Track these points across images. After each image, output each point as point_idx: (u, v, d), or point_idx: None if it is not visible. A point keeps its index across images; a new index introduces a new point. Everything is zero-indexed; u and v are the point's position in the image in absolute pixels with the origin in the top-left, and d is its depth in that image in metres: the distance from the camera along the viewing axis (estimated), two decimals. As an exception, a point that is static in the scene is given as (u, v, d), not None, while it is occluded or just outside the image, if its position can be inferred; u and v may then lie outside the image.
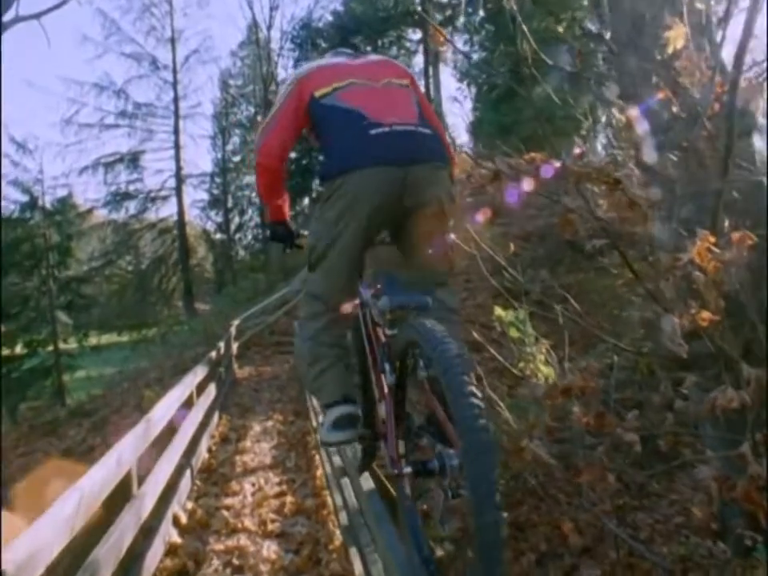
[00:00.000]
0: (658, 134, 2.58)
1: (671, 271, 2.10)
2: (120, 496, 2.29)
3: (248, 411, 6.14)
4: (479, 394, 0.96)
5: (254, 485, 3.85)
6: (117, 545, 2.04)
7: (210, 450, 4.68)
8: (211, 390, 5.19)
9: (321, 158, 1.98)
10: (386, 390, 1.40)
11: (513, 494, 5.19)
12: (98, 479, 1.92)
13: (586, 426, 2.66)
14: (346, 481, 2.64)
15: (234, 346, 8.51)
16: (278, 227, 1.89)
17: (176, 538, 2.94)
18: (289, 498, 3.48)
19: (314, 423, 4.74)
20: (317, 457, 4.30)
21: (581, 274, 12.02)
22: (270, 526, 3.12)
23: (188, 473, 3.70)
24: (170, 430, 3.63)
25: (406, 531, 1.38)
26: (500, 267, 9.79)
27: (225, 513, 3.34)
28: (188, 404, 4.09)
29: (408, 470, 1.26)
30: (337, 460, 3.05)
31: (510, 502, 4.83)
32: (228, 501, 3.56)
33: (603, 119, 21.03)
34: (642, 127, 2.78)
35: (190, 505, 3.45)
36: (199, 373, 4.72)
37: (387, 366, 1.38)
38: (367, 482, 2.19)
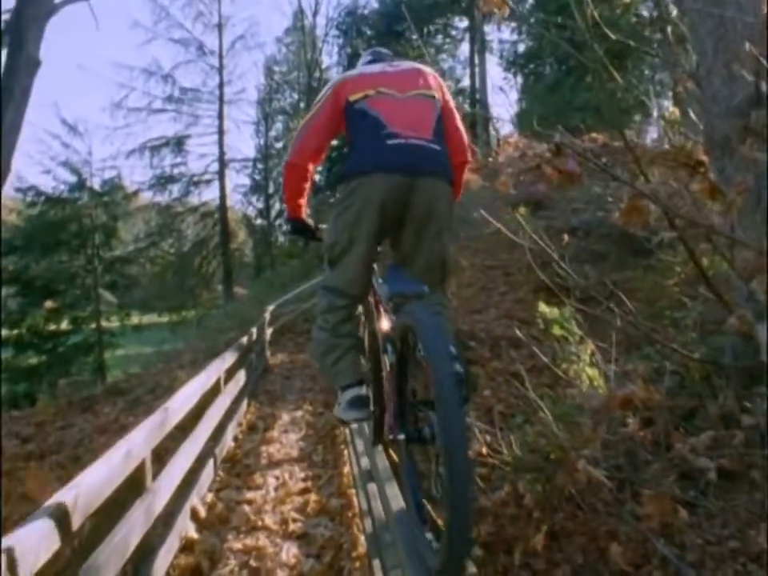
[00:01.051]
0: (731, 117, 2.30)
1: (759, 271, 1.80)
2: (132, 490, 2.15)
3: (278, 399, 6.01)
4: (461, 374, 1.15)
5: (277, 479, 3.69)
6: (122, 544, 1.88)
7: (236, 439, 4.56)
8: (241, 377, 5.07)
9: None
10: (387, 368, 1.62)
11: (548, 498, 4.89)
12: (101, 474, 1.76)
13: (646, 442, 2.37)
14: (372, 488, 2.43)
15: (268, 332, 8.42)
16: (297, 223, 2.04)
17: (193, 533, 2.80)
18: (313, 497, 3.30)
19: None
20: (345, 452, 4.12)
21: (627, 271, 11.49)
22: (292, 526, 2.95)
23: (211, 462, 3.56)
24: (195, 417, 3.51)
25: (404, 486, 1.62)
26: (542, 262, 9.27)
27: (246, 508, 3.19)
28: (214, 391, 3.95)
29: (401, 436, 1.51)
30: (365, 462, 2.84)
31: (543, 506, 4.59)
32: (250, 495, 3.41)
33: (655, 112, 20.19)
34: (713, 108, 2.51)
35: (210, 497, 3.32)
36: (228, 359, 4.59)
37: (389, 347, 1.61)
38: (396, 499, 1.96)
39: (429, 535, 1.39)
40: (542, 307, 5.45)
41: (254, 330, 6.46)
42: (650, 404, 1.99)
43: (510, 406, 8.44)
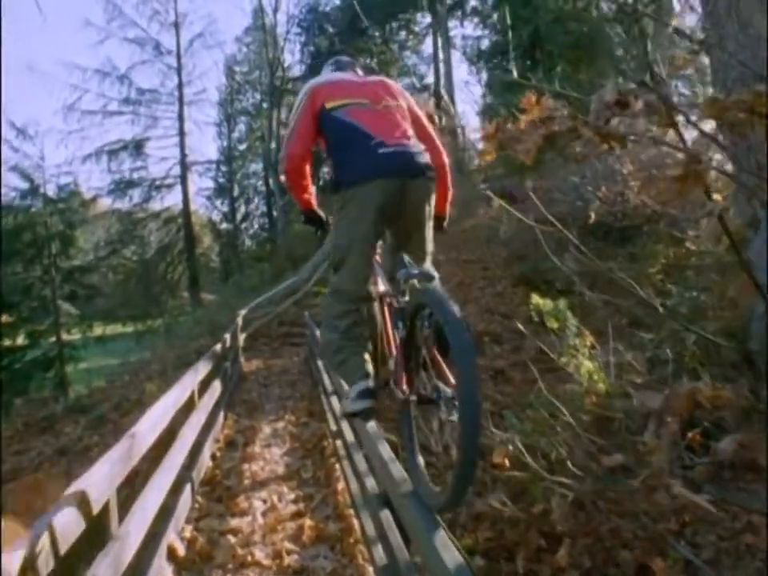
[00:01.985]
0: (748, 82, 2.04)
1: None
2: (95, 540, 1.73)
3: (256, 410, 5.57)
4: (472, 341, 1.28)
5: (265, 502, 3.28)
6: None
7: (214, 458, 4.12)
8: (216, 387, 4.63)
9: (332, 164, 2.11)
10: (397, 342, 1.77)
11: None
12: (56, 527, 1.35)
13: (694, 443, 2.05)
14: (387, 516, 2.06)
15: (241, 338, 7.96)
16: (309, 213, 2.19)
17: (170, 578, 2.39)
18: (307, 521, 2.91)
19: (333, 426, 4.18)
20: (336, 467, 3.74)
21: (608, 261, 11.38)
22: (287, 559, 2.55)
23: (188, 489, 3.14)
24: (167, 439, 3.08)
25: (405, 442, 1.75)
26: (518, 255, 8.99)
27: (231, 539, 2.78)
28: (188, 407, 3.52)
29: (413, 397, 1.66)
30: (371, 483, 2.46)
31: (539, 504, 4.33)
32: (235, 523, 3.00)
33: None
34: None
35: (189, 530, 2.89)
36: (201, 370, 4.15)
37: (400, 324, 1.77)
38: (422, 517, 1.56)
39: (431, 486, 1.52)
40: (536, 299, 5.17)
41: (227, 337, 6.00)
42: (718, 402, 1.67)
43: (497, 403, 8.18)
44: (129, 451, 1.99)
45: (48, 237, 17.89)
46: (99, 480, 1.68)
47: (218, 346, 5.27)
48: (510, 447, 2.63)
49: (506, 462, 2.54)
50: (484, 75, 27.98)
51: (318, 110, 2.02)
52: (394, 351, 1.87)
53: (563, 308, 5.20)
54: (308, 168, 2.07)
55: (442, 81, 27.15)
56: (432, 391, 1.53)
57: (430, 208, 2.01)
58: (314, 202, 2.18)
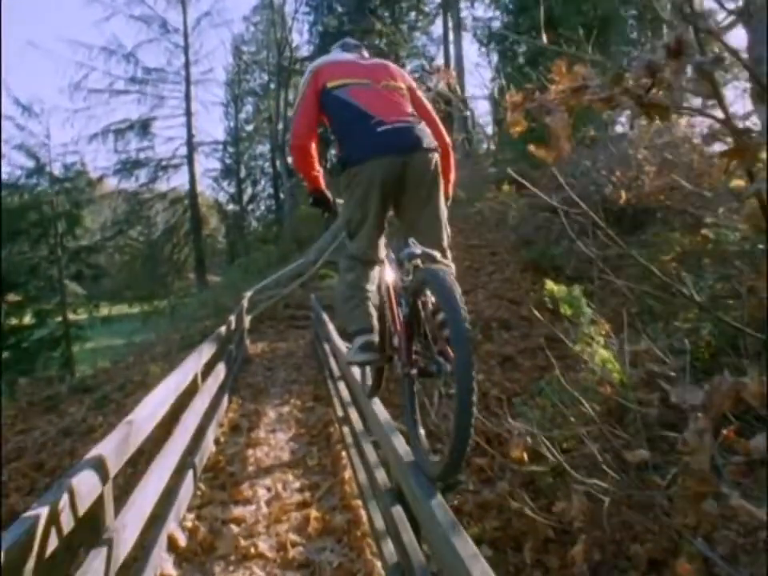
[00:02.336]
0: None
1: None
2: (87, 535, 1.62)
3: (261, 393, 5.48)
4: (467, 318, 1.37)
5: (269, 490, 3.18)
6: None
7: (217, 442, 4.03)
8: (220, 370, 4.53)
9: (336, 142, 2.15)
10: (401, 318, 1.82)
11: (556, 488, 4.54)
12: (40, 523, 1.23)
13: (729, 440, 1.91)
14: (399, 511, 1.94)
15: (247, 320, 7.86)
16: (317, 195, 2.21)
17: (170, 570, 2.29)
18: (313, 512, 2.80)
19: (339, 412, 4.07)
20: (343, 454, 3.63)
21: (616, 248, 11.06)
22: (292, 552, 2.45)
23: (190, 475, 3.04)
24: (170, 422, 2.98)
25: (407, 415, 1.83)
26: (526, 241, 8.79)
27: (234, 529, 2.67)
28: (191, 391, 3.41)
29: (414, 371, 1.78)
30: (382, 476, 2.34)
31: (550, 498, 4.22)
32: (238, 511, 2.90)
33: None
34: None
35: (190, 518, 2.79)
36: (205, 352, 4.03)
37: (403, 302, 1.81)
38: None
39: (431, 456, 1.64)
40: (550, 285, 5.00)
41: (232, 319, 5.89)
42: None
43: (506, 390, 8.05)
44: (124, 440, 1.87)
45: (54, 216, 17.79)
46: (87, 476, 1.56)
47: (223, 329, 5.16)
48: (529, 440, 2.51)
49: (525, 455, 2.41)
50: (494, 58, 27.55)
51: (320, 89, 2.09)
52: (399, 328, 1.89)
53: (578, 294, 5.04)
54: (313, 146, 2.12)
55: (453, 63, 26.71)
56: (433, 365, 1.60)
57: (436, 180, 2.00)
58: (321, 181, 2.21)
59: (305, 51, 28.66)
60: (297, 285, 10.99)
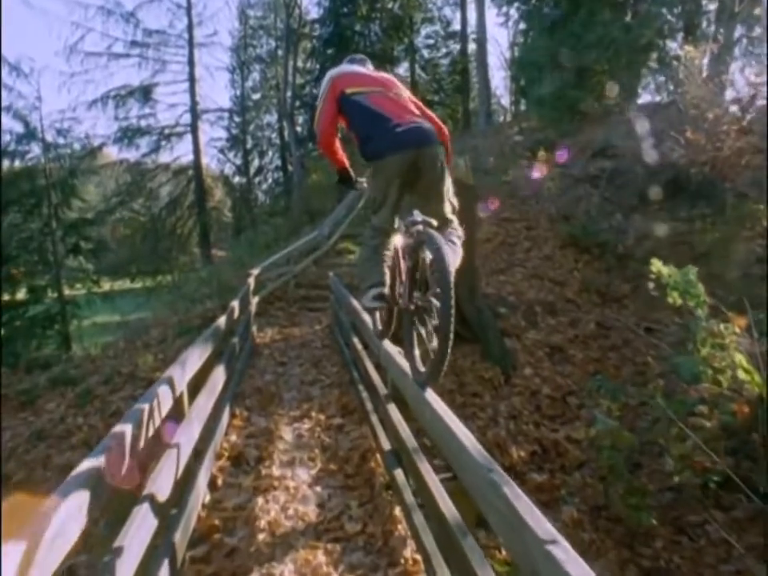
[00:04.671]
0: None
1: None
2: None
3: (272, 401, 4.26)
4: (451, 270, 1.89)
5: (292, 587, 1.99)
6: None
7: (213, 485, 2.84)
8: (218, 377, 3.32)
9: (357, 139, 2.50)
10: (406, 270, 2.36)
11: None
12: None
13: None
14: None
15: (253, 302, 6.65)
16: (343, 173, 2.72)
17: None
18: None
19: (386, 441, 2.87)
20: (398, 514, 2.44)
21: (677, 223, 9.75)
22: None
23: (165, 564, 1.85)
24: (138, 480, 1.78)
25: (406, 339, 2.37)
26: (564, 215, 7.25)
27: None
28: (176, 413, 2.20)
29: (412, 306, 2.29)
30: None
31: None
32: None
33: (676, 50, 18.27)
34: None
35: None
36: (192, 362, 2.78)
37: (407, 257, 2.33)
38: None
39: (420, 368, 2.18)
40: (657, 265, 3.74)
41: (236, 305, 4.63)
42: None
43: (558, 388, 6.80)
44: None
45: (47, 186, 16.56)
46: None
47: (223, 320, 3.92)
48: None
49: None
50: (510, 23, 25.87)
51: (338, 95, 2.51)
52: (404, 279, 2.40)
53: (693, 278, 3.78)
54: (337, 140, 2.60)
55: (474, 27, 24.98)
56: (426, 303, 2.11)
57: (442, 166, 2.42)
58: (345, 162, 2.68)
59: (314, 13, 27.09)
60: (310, 261, 9.74)
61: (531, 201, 12.19)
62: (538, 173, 12.32)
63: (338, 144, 2.60)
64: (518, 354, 7.07)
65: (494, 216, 11.16)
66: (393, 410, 2.67)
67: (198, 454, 2.72)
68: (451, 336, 1.85)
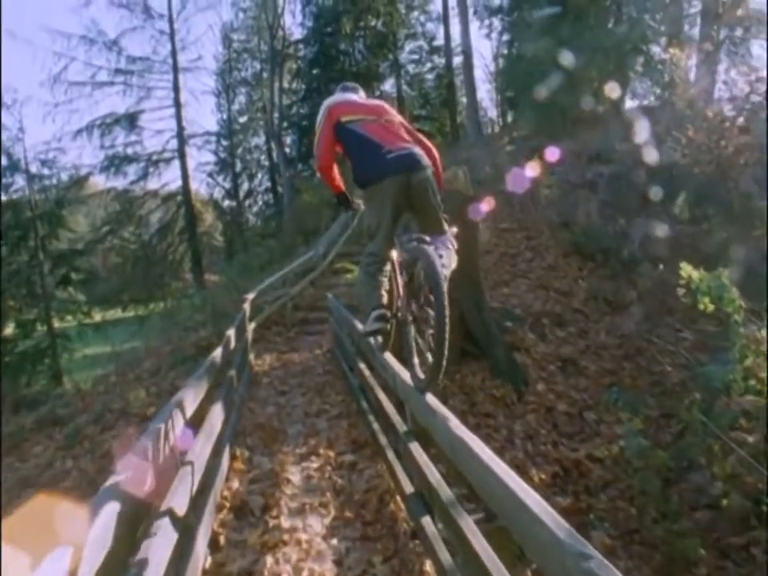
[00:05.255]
0: None
1: None
2: None
3: (275, 437, 3.90)
4: (443, 281, 2.07)
5: None
6: None
7: (214, 544, 2.49)
8: (215, 421, 2.98)
9: (352, 164, 2.68)
10: (403, 284, 2.61)
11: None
12: None
13: None
14: None
15: (250, 328, 6.31)
16: (340, 196, 2.91)
17: None
18: None
19: (407, 484, 2.55)
20: (428, 568, 2.10)
21: (680, 225, 9.52)
22: None
23: None
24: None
25: (406, 349, 2.51)
26: (564, 222, 6.81)
27: None
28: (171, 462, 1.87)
29: (410, 318, 2.49)
30: None
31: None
32: None
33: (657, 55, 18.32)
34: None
35: None
36: (187, 402, 2.44)
37: (404, 272, 2.58)
38: None
39: (420, 375, 2.29)
40: (687, 270, 3.46)
41: (231, 334, 4.28)
42: None
43: (574, 403, 6.47)
44: None
45: (33, 217, 16.25)
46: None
47: (219, 353, 3.57)
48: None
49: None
50: (494, 35, 25.99)
51: (334, 123, 2.67)
52: (401, 293, 2.63)
53: (725, 282, 3.49)
54: (334, 164, 2.79)
55: (459, 41, 25.03)
56: (423, 313, 2.29)
57: (432, 187, 2.55)
58: (342, 186, 2.87)
59: (298, 34, 27.09)
60: (307, 282, 9.42)
61: (529, 209, 11.97)
62: (533, 179, 12.09)
63: (335, 170, 2.80)
64: (528, 368, 6.75)
65: (493, 227, 10.89)
66: (416, 449, 2.34)
67: (195, 507, 2.38)
68: (447, 341, 2.01)
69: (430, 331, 2.16)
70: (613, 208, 11.21)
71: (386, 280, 2.60)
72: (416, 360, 2.38)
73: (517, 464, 5.27)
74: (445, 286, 2.04)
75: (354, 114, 2.66)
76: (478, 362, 6.33)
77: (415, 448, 2.36)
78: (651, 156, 8.32)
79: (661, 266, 8.20)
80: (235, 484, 3.10)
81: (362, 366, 3.97)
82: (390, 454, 2.96)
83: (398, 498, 2.75)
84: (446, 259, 2.43)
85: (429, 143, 2.79)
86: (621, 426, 5.84)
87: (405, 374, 2.46)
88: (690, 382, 6.69)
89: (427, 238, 2.40)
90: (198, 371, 2.97)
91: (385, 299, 2.55)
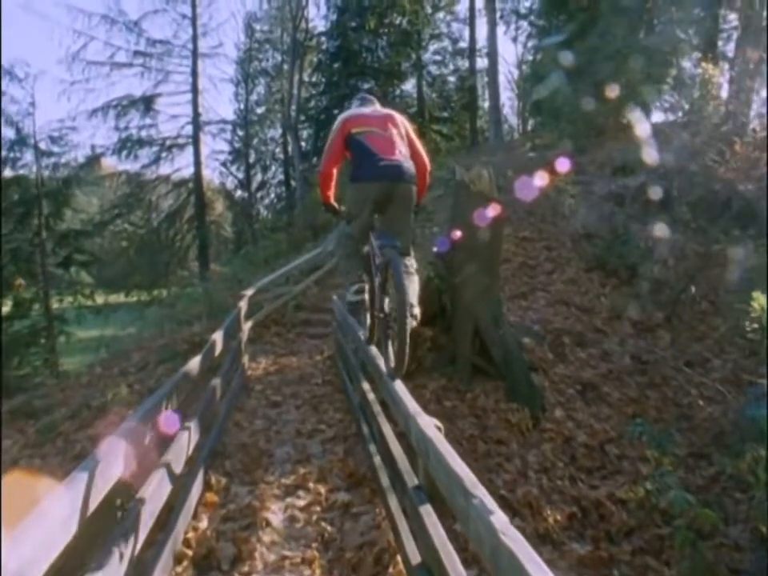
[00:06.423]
0: None
1: None
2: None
3: (259, 462, 3.33)
4: (405, 283, 2.47)
5: None
6: None
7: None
8: (180, 452, 2.46)
9: (352, 167, 3.04)
10: (377, 283, 2.86)
11: None
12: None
13: None
14: None
15: (246, 327, 5.79)
16: (328, 206, 3.26)
17: None
18: None
19: (411, 549, 2.01)
20: None
21: (710, 244, 8.94)
22: None
23: None
24: None
25: (381, 341, 2.91)
26: (587, 234, 5.98)
27: None
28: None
29: (382, 315, 2.81)
30: None
31: None
32: None
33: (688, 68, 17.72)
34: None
35: None
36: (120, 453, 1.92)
37: (378, 272, 2.83)
38: None
39: (392, 363, 2.60)
40: (761, 300, 2.90)
41: (218, 338, 3.70)
42: None
43: (595, 434, 5.87)
44: None
45: (39, 195, 15.84)
46: None
47: (196, 363, 3.00)
48: None
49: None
50: (521, 40, 25.47)
51: (345, 135, 3.05)
52: (377, 291, 2.87)
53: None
54: (335, 173, 3.16)
55: (484, 43, 24.54)
56: (391, 311, 2.68)
57: (411, 203, 3.00)
58: (332, 198, 3.22)
59: (321, 27, 26.66)
60: (311, 281, 8.90)
61: (550, 219, 11.40)
62: (557, 189, 11.51)
63: (333, 177, 3.17)
64: (545, 391, 6.19)
65: (512, 236, 10.31)
66: (427, 514, 1.80)
67: (141, 561, 1.86)
68: (407, 340, 2.39)
69: (396, 328, 2.50)
70: (640, 223, 10.63)
71: (361, 256, 3.10)
72: (391, 350, 2.66)
73: (530, 500, 4.70)
74: (408, 292, 2.49)
75: (362, 127, 3.05)
76: (493, 382, 5.77)
77: (427, 513, 1.81)
78: (685, 170, 7.73)
79: (693, 289, 7.64)
80: (203, 523, 2.56)
81: (366, 386, 3.44)
82: (393, 501, 2.42)
83: (400, 560, 2.22)
84: (413, 278, 2.86)
85: (424, 157, 3.22)
86: (645, 464, 5.28)
87: (422, 418, 1.88)
88: (722, 417, 6.11)
89: (398, 243, 2.73)
90: (165, 385, 2.44)
91: (363, 275, 3.15)
